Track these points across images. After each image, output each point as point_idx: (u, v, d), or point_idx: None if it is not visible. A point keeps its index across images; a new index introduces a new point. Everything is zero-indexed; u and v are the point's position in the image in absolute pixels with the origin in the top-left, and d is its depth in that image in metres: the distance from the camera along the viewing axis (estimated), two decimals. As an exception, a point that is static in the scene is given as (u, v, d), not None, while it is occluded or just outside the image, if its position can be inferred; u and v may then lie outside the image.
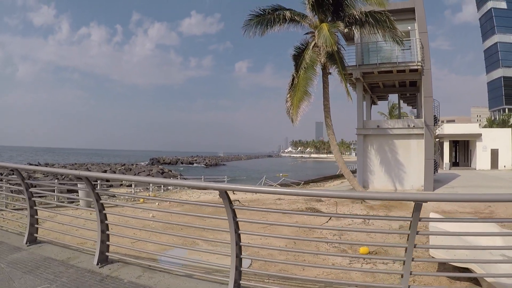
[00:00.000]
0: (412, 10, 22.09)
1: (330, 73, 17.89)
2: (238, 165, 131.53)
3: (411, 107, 33.85)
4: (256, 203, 17.41)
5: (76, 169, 45.32)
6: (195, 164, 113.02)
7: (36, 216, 6.29)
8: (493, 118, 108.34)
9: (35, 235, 6.30)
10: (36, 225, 6.26)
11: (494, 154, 44.27)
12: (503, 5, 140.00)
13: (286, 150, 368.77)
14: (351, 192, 4.70)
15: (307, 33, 18.55)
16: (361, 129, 22.47)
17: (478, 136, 44.70)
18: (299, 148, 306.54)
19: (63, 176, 33.59)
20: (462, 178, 29.12)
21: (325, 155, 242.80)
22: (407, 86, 25.81)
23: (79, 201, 16.81)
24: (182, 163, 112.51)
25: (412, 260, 3.74)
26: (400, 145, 22.51)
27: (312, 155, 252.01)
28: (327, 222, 12.22)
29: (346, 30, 17.19)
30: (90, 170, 43.93)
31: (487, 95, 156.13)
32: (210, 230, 6.07)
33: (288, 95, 17.47)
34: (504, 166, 43.53)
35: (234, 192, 25.49)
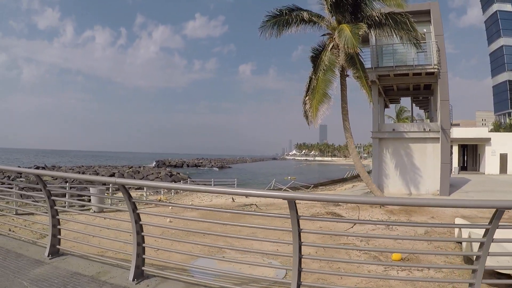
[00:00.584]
0: (427, 13, 21.82)
1: (347, 75, 17.61)
2: (244, 167, 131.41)
3: (422, 110, 33.46)
4: (272, 207, 17.12)
5: (83, 172, 45.24)
6: (207, 167, 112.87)
7: (58, 226, 5.79)
8: (499, 122, 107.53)
9: (58, 246, 5.79)
10: (58, 236, 5.78)
11: (503, 158, 43.78)
12: (509, 7, 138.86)
13: (290, 153, 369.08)
14: (389, 198, 4.35)
15: (324, 35, 18.33)
16: (376, 132, 22.19)
17: (487, 140, 44.22)
18: (304, 151, 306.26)
19: (72, 180, 33.48)
20: (474, 183, 28.77)
21: (329, 158, 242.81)
22: (421, 89, 25.56)
23: (89, 207, 16.55)
24: (188, 165, 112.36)
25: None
26: (415, 149, 22.26)
27: (317, 158, 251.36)
28: (352, 227, 11.94)
29: (366, 32, 16.83)
30: (98, 173, 43.94)
31: (492, 99, 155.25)
32: (236, 237, 5.87)
33: (307, 98, 17.24)
34: (514, 171, 43.13)
35: (247, 196, 25.36)
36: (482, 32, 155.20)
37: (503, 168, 43.48)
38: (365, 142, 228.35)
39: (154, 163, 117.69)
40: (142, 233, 4.81)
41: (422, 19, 21.91)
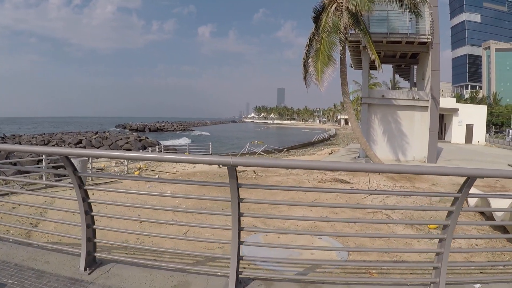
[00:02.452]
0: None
1: (347, 39, 17.14)
2: (206, 130, 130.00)
3: (402, 78, 33.65)
4: (269, 172, 16.71)
5: (49, 140, 42.96)
6: (169, 130, 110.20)
7: (94, 226, 4.16)
8: (459, 94, 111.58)
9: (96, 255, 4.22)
10: (95, 240, 4.16)
11: (469, 129, 45.28)
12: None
13: (249, 116, 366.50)
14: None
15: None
16: (366, 98, 22.03)
17: (455, 111, 45.43)
18: (263, 114, 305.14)
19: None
20: (448, 151, 29.46)
21: (288, 122, 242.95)
22: (407, 58, 25.55)
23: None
24: (150, 129, 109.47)
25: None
26: (403, 116, 22.36)
27: (276, 121, 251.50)
28: (366, 197, 11.73)
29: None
30: (64, 141, 41.88)
31: (450, 71, 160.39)
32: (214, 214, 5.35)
33: (310, 60, 16.69)
34: (478, 141, 44.80)
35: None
36: (445, 6, 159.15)
37: (468, 138, 45.03)
38: (324, 106, 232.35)
39: (114, 127, 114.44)
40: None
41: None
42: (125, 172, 18.69)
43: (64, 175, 16.03)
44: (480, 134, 45.59)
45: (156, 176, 16.82)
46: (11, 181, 13.35)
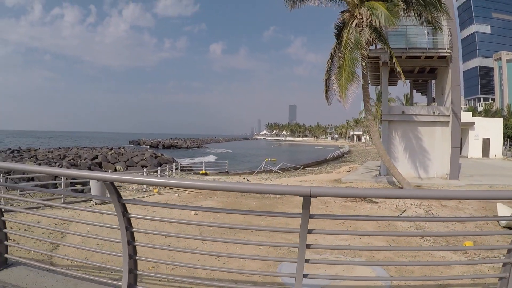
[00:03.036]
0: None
1: (368, 55, 16.98)
2: (219, 147, 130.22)
3: (419, 93, 33.32)
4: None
5: (64, 155, 43.18)
6: (182, 147, 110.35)
7: (136, 257, 3.95)
8: (473, 107, 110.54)
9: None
10: (136, 271, 3.97)
11: (486, 143, 44.76)
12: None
13: (261, 133, 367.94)
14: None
15: (343, 12, 17.59)
16: (386, 114, 21.80)
17: (471, 124, 44.91)
18: (275, 131, 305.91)
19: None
20: (466, 166, 28.97)
21: (300, 138, 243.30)
22: (425, 72, 25.37)
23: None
24: (163, 146, 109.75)
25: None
26: (424, 132, 22.04)
27: (288, 138, 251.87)
28: (401, 214, 11.50)
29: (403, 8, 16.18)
30: (80, 156, 42.03)
31: (462, 83, 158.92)
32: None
33: (334, 77, 16.60)
34: (495, 155, 44.26)
35: (248, 179, 24.70)
36: (454, 18, 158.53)
37: (485, 152, 44.49)
38: (336, 123, 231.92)
39: (128, 143, 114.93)
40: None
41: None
42: (144, 190, 18.59)
43: (82, 191, 16.12)
44: (497, 147, 45.11)
45: (176, 195, 16.63)
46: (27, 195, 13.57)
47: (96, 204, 13.20)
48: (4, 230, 4.28)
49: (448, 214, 12.24)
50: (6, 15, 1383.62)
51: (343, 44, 16.09)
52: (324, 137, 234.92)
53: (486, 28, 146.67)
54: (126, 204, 3.68)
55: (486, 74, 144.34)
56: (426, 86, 29.53)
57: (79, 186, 21.55)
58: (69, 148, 63.57)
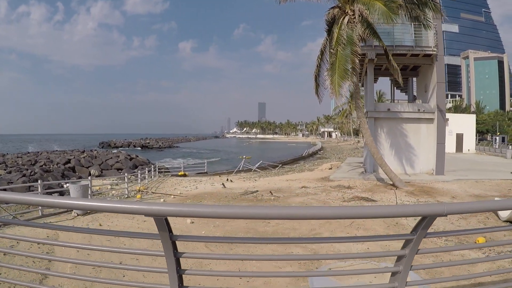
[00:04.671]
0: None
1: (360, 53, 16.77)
2: (192, 146, 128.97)
3: (398, 90, 33.54)
4: (286, 193, 16.15)
5: (35, 160, 41.04)
6: (154, 147, 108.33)
7: None
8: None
9: None
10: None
11: (459, 138, 45.69)
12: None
13: (231, 131, 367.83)
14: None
15: (333, 7, 17.34)
16: (372, 111, 21.75)
17: (446, 120, 45.68)
18: (245, 129, 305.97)
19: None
20: (449, 161, 29.41)
21: (271, 136, 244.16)
22: (407, 70, 25.50)
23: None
24: (135, 146, 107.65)
25: None
26: (409, 129, 22.20)
27: (258, 136, 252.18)
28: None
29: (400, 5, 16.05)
30: (52, 161, 40.18)
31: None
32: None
33: (326, 74, 16.32)
34: (468, 150, 45.35)
35: (231, 180, 24.24)
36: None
37: (459, 147, 45.50)
38: (306, 120, 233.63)
39: (98, 144, 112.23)
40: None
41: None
42: (126, 196, 17.87)
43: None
44: (470, 142, 46.27)
45: (162, 200, 16.01)
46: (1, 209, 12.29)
47: (78, 215, 12.19)
48: None
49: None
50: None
51: (334, 40, 15.85)
52: (294, 134, 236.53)
53: (454, 28, 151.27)
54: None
55: (453, 72, 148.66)
56: (406, 83, 29.73)
57: (56, 195, 20.52)
58: (39, 152, 61.19)
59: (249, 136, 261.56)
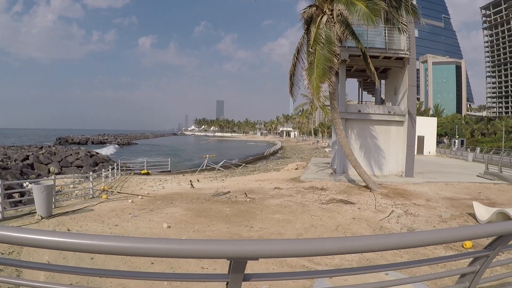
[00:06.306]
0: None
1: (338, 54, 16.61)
2: (150, 143, 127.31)
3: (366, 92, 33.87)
4: (261, 194, 15.69)
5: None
6: (112, 144, 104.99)
7: None
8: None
9: None
10: None
11: (421, 140, 46.73)
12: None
13: (189, 128, 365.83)
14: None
15: (310, 6, 17.10)
16: (343, 112, 21.65)
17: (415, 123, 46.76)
18: (203, 127, 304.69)
19: None
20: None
21: (229, 134, 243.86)
22: (377, 72, 25.61)
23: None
24: (93, 142, 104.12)
25: None
26: (379, 131, 22.32)
27: (217, 134, 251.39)
28: (388, 216, 11.12)
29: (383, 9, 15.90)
30: (9, 157, 37.82)
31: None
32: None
33: (304, 72, 16.01)
34: (429, 152, 46.69)
35: (198, 179, 23.62)
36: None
37: (420, 149, 46.55)
38: (264, 119, 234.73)
39: (55, 140, 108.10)
40: None
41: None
42: (91, 196, 16.86)
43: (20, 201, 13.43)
44: (431, 145, 47.60)
45: (130, 201, 15.19)
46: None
47: (42, 218, 11.36)
48: None
49: (424, 213, 12.14)
50: None
51: (312, 39, 15.59)
52: (253, 132, 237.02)
53: (415, 32, 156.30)
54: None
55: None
56: (374, 86, 30.01)
57: (17, 196, 19.13)
58: (-9, 147, 57.75)
59: (207, 134, 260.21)
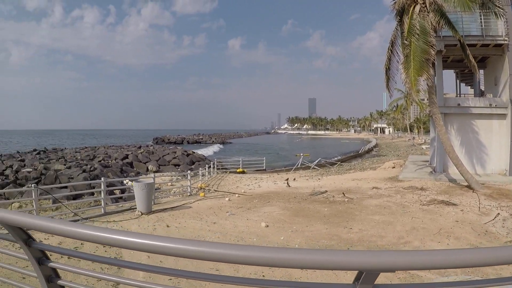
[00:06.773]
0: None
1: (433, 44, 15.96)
2: (245, 142, 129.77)
3: (464, 84, 31.91)
4: (359, 194, 15.69)
5: (94, 156, 41.27)
6: (208, 143, 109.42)
7: None
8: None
9: None
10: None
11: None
12: None
13: (282, 127, 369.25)
14: None
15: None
16: (442, 107, 20.56)
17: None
18: (296, 125, 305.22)
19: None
20: None
21: (322, 132, 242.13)
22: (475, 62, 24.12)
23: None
24: (188, 142, 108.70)
25: None
26: (481, 126, 20.71)
27: (310, 132, 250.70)
28: (493, 219, 10.63)
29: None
30: (109, 156, 41.07)
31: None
32: None
33: (401, 66, 15.65)
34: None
35: (294, 178, 24.00)
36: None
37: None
38: (358, 115, 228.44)
39: (152, 140, 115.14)
40: None
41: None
42: (188, 194, 17.81)
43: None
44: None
45: (227, 199, 15.88)
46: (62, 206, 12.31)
47: (142, 214, 12.08)
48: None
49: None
50: (27, 18, 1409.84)
51: (406, 31, 15.15)
52: (346, 130, 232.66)
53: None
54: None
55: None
56: (471, 77, 28.14)
57: (117, 193, 20.89)
58: (96, 147, 62.87)
59: (300, 132, 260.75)
